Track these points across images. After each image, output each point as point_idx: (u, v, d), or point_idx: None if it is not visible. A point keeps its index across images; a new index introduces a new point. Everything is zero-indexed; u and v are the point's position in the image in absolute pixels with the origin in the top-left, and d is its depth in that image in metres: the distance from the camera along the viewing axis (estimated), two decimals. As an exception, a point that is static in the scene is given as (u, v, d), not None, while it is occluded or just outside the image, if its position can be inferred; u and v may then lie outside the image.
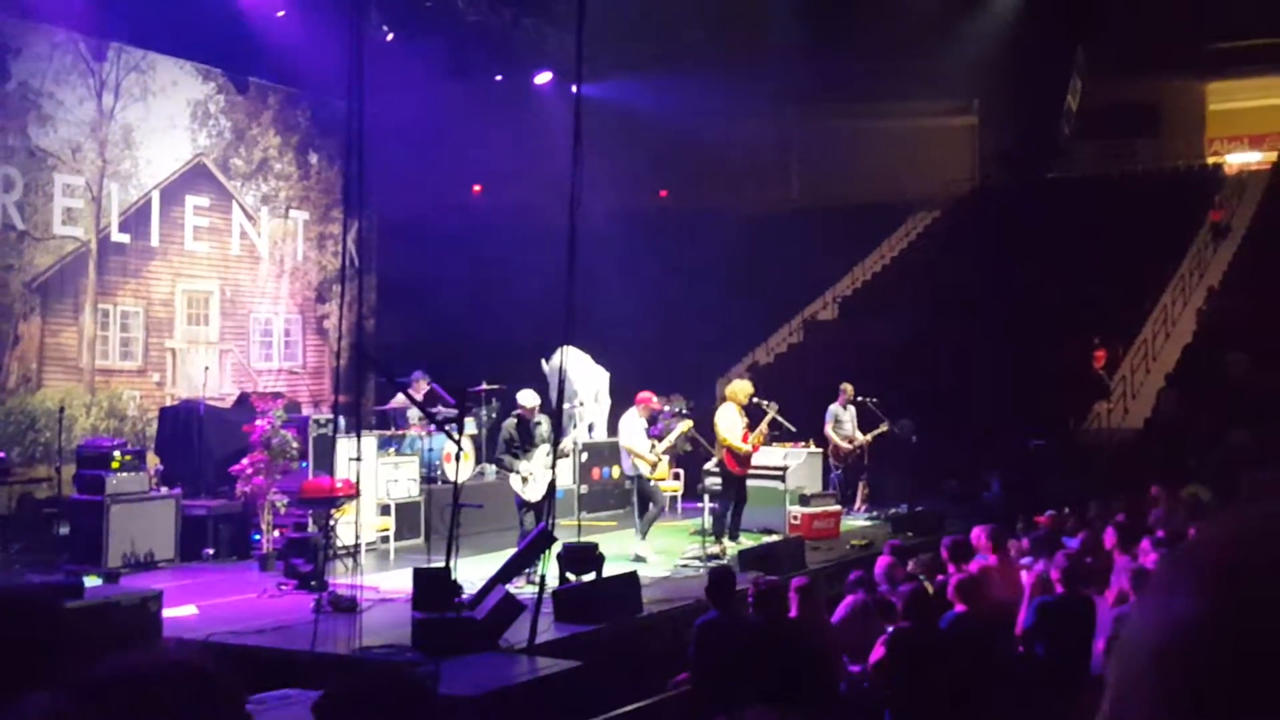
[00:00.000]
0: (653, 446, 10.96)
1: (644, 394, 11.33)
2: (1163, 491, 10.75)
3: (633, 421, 11.11)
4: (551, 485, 8.51)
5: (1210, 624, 0.62)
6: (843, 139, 26.50)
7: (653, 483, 10.93)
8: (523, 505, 9.74)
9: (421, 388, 11.93)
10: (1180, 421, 15.69)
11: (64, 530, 10.74)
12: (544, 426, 9.72)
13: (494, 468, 11.68)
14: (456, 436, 7.59)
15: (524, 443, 9.73)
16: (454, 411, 8.30)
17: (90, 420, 13.40)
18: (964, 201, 25.88)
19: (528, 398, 9.99)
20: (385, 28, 14.97)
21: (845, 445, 13.91)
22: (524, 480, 9.65)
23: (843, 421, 13.96)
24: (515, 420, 9.94)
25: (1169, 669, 0.62)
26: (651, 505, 10.86)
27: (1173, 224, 21.92)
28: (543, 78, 17.18)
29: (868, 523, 13.25)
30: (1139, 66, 25.59)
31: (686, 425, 11.37)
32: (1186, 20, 24.72)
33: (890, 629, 5.82)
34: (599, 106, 15.80)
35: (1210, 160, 27.21)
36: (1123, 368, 18.43)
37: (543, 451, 9.48)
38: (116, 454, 10.52)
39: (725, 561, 10.10)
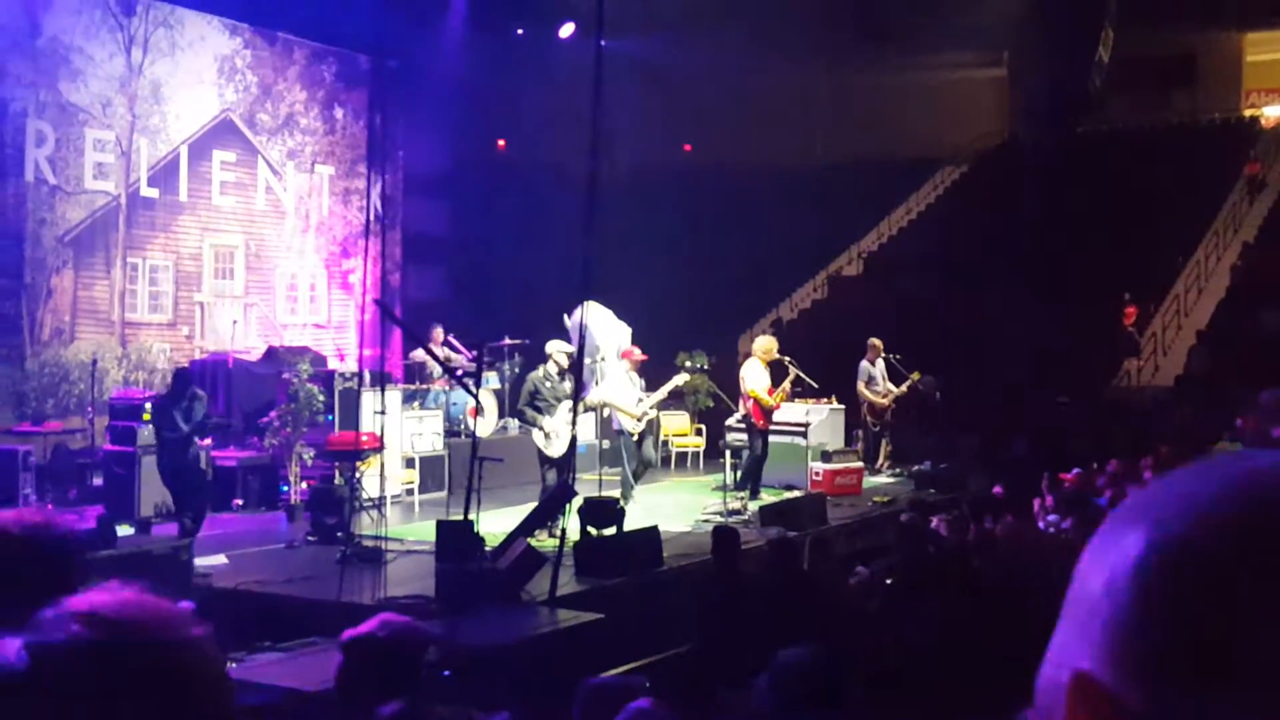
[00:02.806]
0: (639, 400, 10.67)
1: (627, 348, 11.31)
2: (1171, 452, 10.66)
3: (618, 377, 11.02)
4: (573, 441, 8.58)
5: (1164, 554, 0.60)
6: (869, 92, 26.06)
7: (635, 438, 10.57)
8: (545, 461, 9.82)
9: (439, 338, 12.02)
10: (1211, 379, 15.54)
11: (97, 481, 10.96)
12: (566, 383, 9.76)
13: (517, 422, 11.77)
14: (474, 390, 7.65)
15: (547, 398, 9.78)
16: (472, 366, 8.36)
17: (121, 372, 13.60)
18: (992, 156, 25.48)
19: (559, 346, 10.03)
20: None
21: (881, 402, 13.73)
22: (546, 436, 9.71)
23: (875, 378, 13.82)
24: (540, 373, 9.97)
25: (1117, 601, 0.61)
26: (637, 463, 10.55)
27: (1207, 178, 21.52)
28: (566, 30, 17.03)
29: (890, 480, 13.25)
30: (1174, 16, 24.97)
31: (682, 378, 11.34)
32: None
33: (888, 582, 5.85)
34: (624, 61, 15.65)
35: (1247, 113, 26.62)
36: (1154, 324, 18.22)
37: (565, 408, 9.51)
38: (147, 406, 10.70)
39: (746, 517, 10.19)
